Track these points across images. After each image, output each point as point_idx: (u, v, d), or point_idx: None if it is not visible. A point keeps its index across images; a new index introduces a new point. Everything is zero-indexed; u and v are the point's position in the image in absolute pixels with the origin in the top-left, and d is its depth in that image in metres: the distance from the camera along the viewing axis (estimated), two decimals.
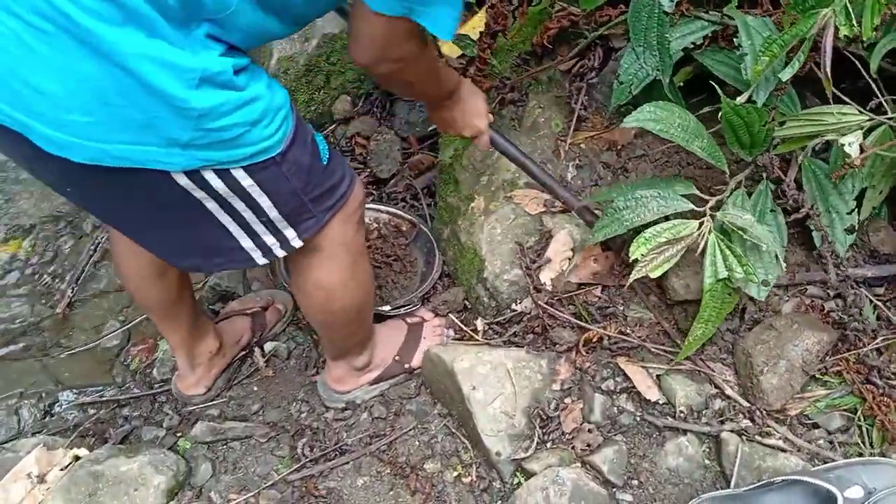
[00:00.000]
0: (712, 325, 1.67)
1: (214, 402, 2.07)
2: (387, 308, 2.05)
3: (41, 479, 1.86)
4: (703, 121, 2.06)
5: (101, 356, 2.25)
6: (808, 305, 1.76)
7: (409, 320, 2.07)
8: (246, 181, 1.29)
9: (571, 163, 2.09)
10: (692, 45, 1.83)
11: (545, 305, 1.90)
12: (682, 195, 1.71)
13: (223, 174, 1.25)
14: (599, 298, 1.92)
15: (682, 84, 2.02)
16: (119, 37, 1.07)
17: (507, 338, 1.96)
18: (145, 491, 1.80)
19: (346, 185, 1.52)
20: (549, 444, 1.73)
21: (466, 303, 2.12)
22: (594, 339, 1.85)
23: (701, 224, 1.64)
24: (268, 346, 2.17)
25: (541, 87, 2.23)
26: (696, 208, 1.69)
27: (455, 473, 1.79)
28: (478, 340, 2.00)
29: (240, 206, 1.33)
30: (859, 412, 1.60)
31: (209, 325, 2.00)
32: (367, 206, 2.32)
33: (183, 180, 1.23)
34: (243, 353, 2.13)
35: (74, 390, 2.16)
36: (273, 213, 1.38)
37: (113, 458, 1.85)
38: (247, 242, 1.41)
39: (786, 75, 1.54)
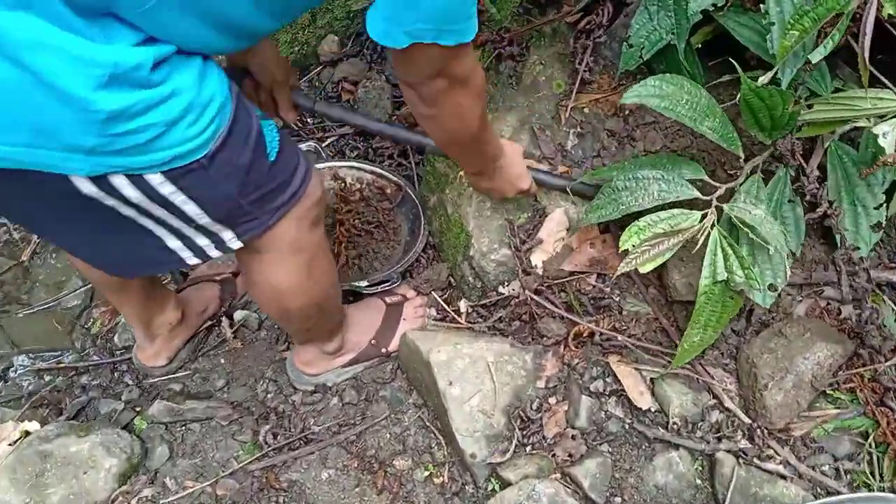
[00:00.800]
0: (712, 331, 1.51)
1: (177, 376, 1.93)
2: (364, 284, 1.88)
3: None
4: (723, 88, 1.86)
5: (60, 317, 2.10)
6: (823, 308, 1.58)
7: (388, 299, 1.91)
8: (165, 188, 1.10)
9: (573, 130, 1.89)
10: (713, 7, 1.60)
11: (533, 294, 1.73)
12: (687, 179, 1.52)
13: (136, 180, 1.07)
14: (594, 287, 1.74)
15: (699, 46, 1.79)
16: (9, 22, 0.88)
17: (492, 323, 1.80)
18: (95, 474, 1.69)
19: (300, 182, 1.33)
20: (528, 449, 1.60)
21: (451, 279, 1.95)
22: (585, 334, 1.69)
23: (704, 216, 1.45)
24: (237, 315, 2.02)
25: (544, 40, 1.99)
26: (702, 196, 1.50)
27: (426, 473, 1.66)
28: (460, 324, 1.84)
29: (161, 213, 1.15)
30: (871, 438, 1.45)
31: (169, 295, 1.84)
32: (349, 163, 2.13)
33: (88, 188, 1.05)
34: (210, 322, 1.98)
35: (31, 354, 2.03)
36: (204, 220, 1.20)
37: (63, 437, 1.73)
38: (174, 243, 1.23)
39: (816, 56, 1.33)
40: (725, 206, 1.45)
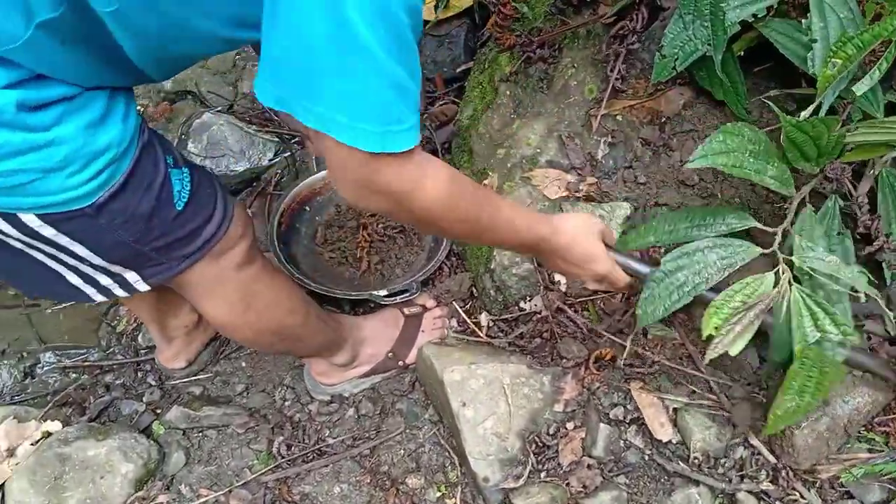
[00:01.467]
0: (810, 398, 1.31)
1: (198, 378, 1.93)
2: (382, 293, 1.84)
3: (11, 452, 1.78)
4: (762, 92, 1.75)
5: (88, 313, 2.12)
6: (868, 346, 1.47)
7: (406, 310, 1.86)
8: (46, 230, 1.05)
9: (604, 138, 1.80)
10: (753, 17, 1.49)
11: (555, 312, 1.67)
12: (737, 231, 1.39)
13: (11, 219, 1.02)
14: (619, 307, 1.67)
15: (742, 53, 1.69)
16: None
17: (513, 338, 1.75)
18: (111, 479, 1.70)
19: (214, 229, 1.26)
20: (542, 475, 1.55)
21: (474, 290, 1.90)
22: (606, 357, 1.62)
23: (777, 275, 1.32)
24: None
25: (577, 42, 1.90)
26: (764, 251, 1.37)
27: (438, 493, 1.63)
28: (480, 337, 1.79)
29: (49, 250, 1.10)
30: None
31: (182, 298, 1.82)
32: None
33: None
34: None
35: (57, 352, 2.05)
36: (97, 261, 1.15)
37: (82, 440, 1.74)
38: (74, 279, 1.19)
39: (862, 88, 1.22)
40: (795, 259, 1.32)
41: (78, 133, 1.01)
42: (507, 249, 1.46)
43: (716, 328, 1.26)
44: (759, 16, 1.49)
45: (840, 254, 1.44)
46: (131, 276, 1.23)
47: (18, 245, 1.09)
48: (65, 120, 0.99)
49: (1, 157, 0.95)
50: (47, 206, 1.02)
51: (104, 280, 1.22)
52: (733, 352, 1.26)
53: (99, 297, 1.26)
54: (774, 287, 1.29)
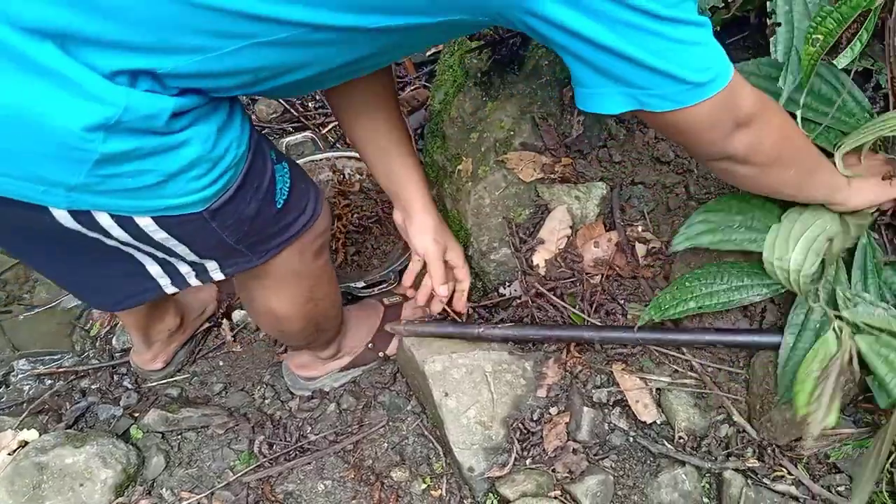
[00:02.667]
0: None
1: (175, 380, 1.90)
2: (360, 285, 1.82)
3: None
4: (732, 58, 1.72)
5: (61, 318, 2.08)
6: None
7: (386, 300, 1.83)
8: (158, 234, 1.04)
9: (577, 118, 1.77)
10: (723, 2, 1.45)
11: (534, 296, 1.65)
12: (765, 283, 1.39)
13: (123, 221, 1.00)
14: (598, 289, 1.65)
15: (718, 28, 1.65)
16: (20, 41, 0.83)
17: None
18: (91, 486, 1.66)
19: (307, 219, 1.26)
20: (528, 462, 1.53)
21: None
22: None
23: (838, 335, 1.27)
24: (236, 316, 1.98)
25: None
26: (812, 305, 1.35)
27: (424, 485, 1.61)
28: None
29: (147, 249, 1.09)
30: (892, 456, 1.34)
31: (169, 302, 1.79)
32: (347, 154, 2.05)
33: (68, 221, 0.98)
34: (209, 324, 1.94)
35: (31, 358, 2.01)
36: (192, 257, 1.14)
37: (59, 448, 1.70)
38: (154, 269, 1.17)
39: (843, 62, 1.19)
40: (846, 315, 1.29)
41: (208, 137, 0.99)
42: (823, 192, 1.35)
43: (806, 404, 1.20)
44: (730, 1, 1.46)
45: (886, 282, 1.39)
46: (211, 266, 1.21)
47: (115, 244, 1.07)
48: (196, 124, 0.97)
49: (134, 158, 0.92)
50: (166, 208, 1.00)
51: (184, 269, 1.20)
52: (831, 423, 1.18)
53: (171, 289, 1.24)
54: (838, 347, 1.25)
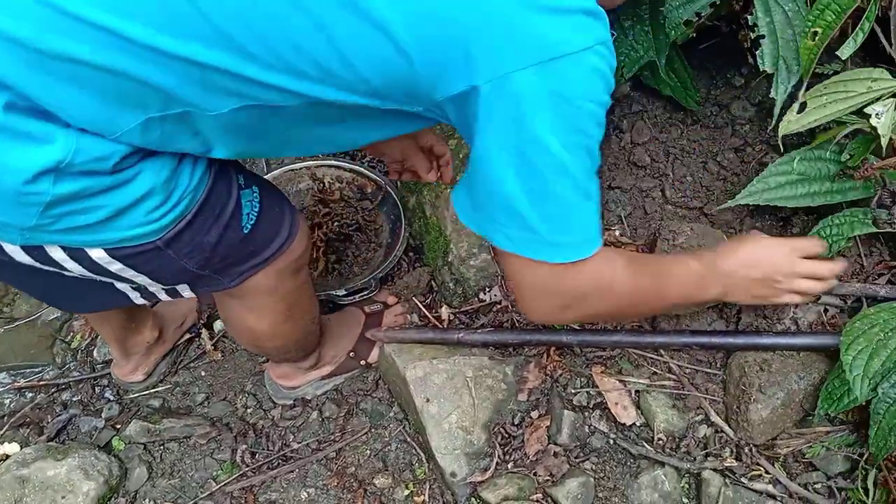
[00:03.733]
0: None
1: (157, 390, 1.89)
2: (341, 293, 1.82)
3: None
4: (708, 71, 1.76)
5: (41, 330, 2.07)
6: (828, 323, 1.48)
7: (367, 308, 1.84)
8: (113, 265, 1.03)
9: None
10: (696, 17, 1.48)
11: (514, 302, 1.66)
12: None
13: (76, 255, 1.00)
14: None
15: (693, 36, 1.67)
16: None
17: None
18: (73, 499, 1.66)
19: (281, 242, 1.24)
20: (509, 466, 1.54)
21: (433, 283, 1.88)
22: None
23: None
24: (217, 325, 1.97)
25: None
26: None
27: (407, 492, 1.61)
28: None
29: (104, 280, 1.09)
30: (865, 456, 1.36)
31: (147, 315, 1.79)
32: (328, 162, 2.05)
33: (21, 256, 0.99)
34: (189, 335, 1.94)
35: (11, 372, 2.00)
36: (155, 287, 1.15)
37: (41, 461, 1.70)
38: (122, 286, 1.18)
39: (846, 52, 1.21)
40: None
41: (162, 167, 0.98)
42: (690, 306, 1.40)
43: None
44: (703, 14, 1.48)
45: None
46: (182, 289, 1.22)
47: (73, 276, 1.07)
48: (149, 157, 0.97)
49: (83, 198, 0.93)
50: (120, 241, 1.00)
51: (153, 288, 1.20)
52: None
53: (141, 301, 1.25)
54: None
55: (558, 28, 0.82)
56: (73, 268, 1.03)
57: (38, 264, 1.01)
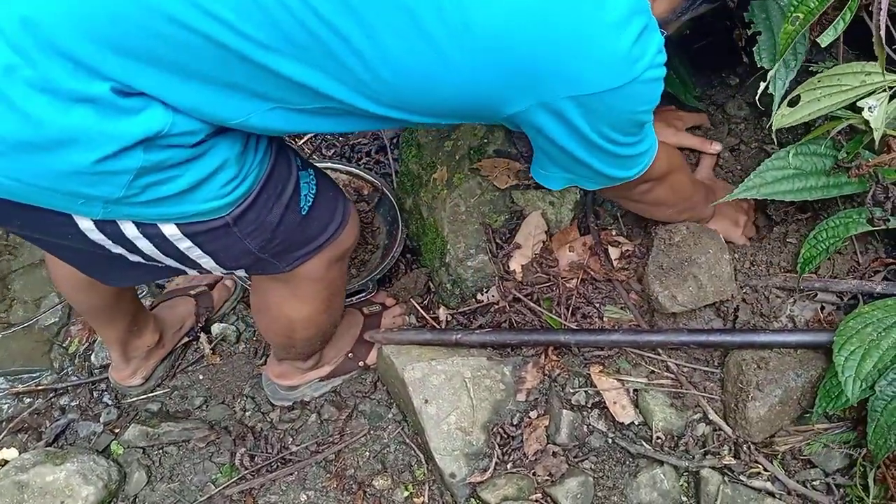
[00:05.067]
0: None
1: (155, 394, 1.89)
2: None
3: None
4: (702, 70, 1.77)
5: (38, 335, 2.07)
6: (825, 320, 1.48)
7: (366, 310, 1.84)
8: (182, 243, 1.05)
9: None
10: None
11: (511, 302, 1.66)
12: None
13: (149, 231, 1.02)
14: (574, 293, 1.66)
15: (687, 32, 1.67)
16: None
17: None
18: (72, 503, 1.65)
19: (333, 230, 1.27)
20: (508, 466, 1.54)
21: (431, 285, 1.88)
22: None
23: None
24: (215, 329, 1.97)
25: None
26: None
27: (406, 493, 1.61)
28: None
29: (172, 263, 1.11)
30: (863, 452, 1.36)
31: (148, 319, 1.79)
32: (325, 165, 2.05)
33: (93, 233, 1.01)
34: (187, 339, 1.94)
35: (9, 377, 1.99)
36: (218, 271, 1.17)
37: (39, 466, 1.69)
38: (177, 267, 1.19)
39: (826, 40, 1.21)
40: None
41: (234, 141, 1.01)
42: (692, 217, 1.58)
43: None
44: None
45: None
46: (239, 272, 1.24)
47: (137, 259, 1.10)
48: (223, 134, 1.00)
49: (167, 167, 0.95)
50: (194, 214, 1.02)
51: (209, 264, 1.20)
52: None
53: (192, 272, 1.25)
54: None
55: (621, 50, 0.91)
56: (144, 246, 1.05)
57: (109, 242, 1.03)
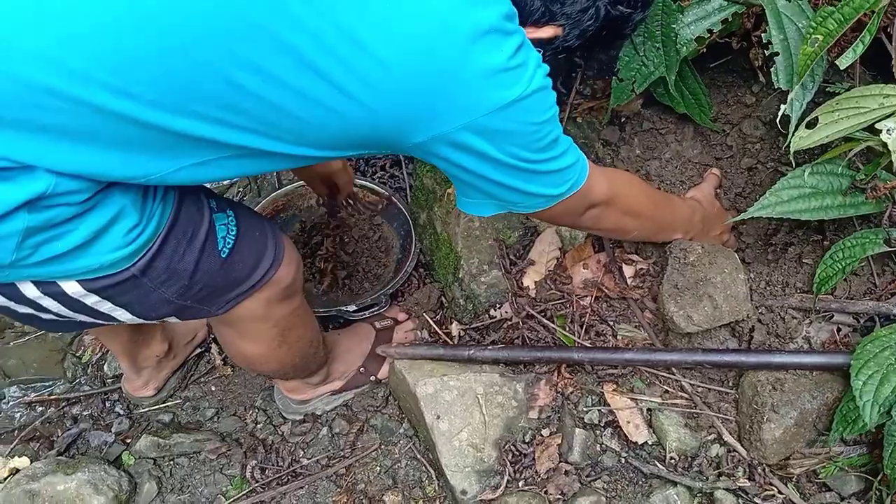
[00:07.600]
0: None
1: (167, 405, 1.89)
2: (352, 308, 1.82)
3: None
4: (720, 88, 1.77)
5: (52, 344, 2.08)
6: (840, 342, 1.47)
7: (378, 324, 1.84)
8: (88, 298, 1.02)
9: None
10: (708, 34, 1.48)
11: (525, 319, 1.66)
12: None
13: (51, 289, 0.99)
14: (588, 310, 1.66)
15: (703, 50, 1.67)
16: None
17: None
18: None
19: (263, 272, 1.22)
20: (520, 484, 1.53)
21: (443, 300, 1.88)
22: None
23: None
24: None
25: None
26: None
27: None
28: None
29: (83, 318, 1.08)
30: (879, 477, 1.35)
31: (155, 328, 1.79)
32: None
33: None
34: (200, 350, 1.94)
35: (22, 385, 2.00)
36: (136, 321, 1.13)
37: (50, 475, 1.70)
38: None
39: (845, 62, 1.21)
40: None
41: (128, 188, 0.98)
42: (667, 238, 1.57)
43: None
44: (714, 31, 1.48)
45: None
46: (169, 318, 1.20)
47: (51, 318, 1.06)
48: (116, 185, 0.97)
49: (58, 223, 0.92)
50: (96, 269, 0.99)
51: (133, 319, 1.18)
52: None
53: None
54: None
55: (497, 65, 0.91)
56: (49, 304, 1.01)
57: (12, 304, 1.00)
